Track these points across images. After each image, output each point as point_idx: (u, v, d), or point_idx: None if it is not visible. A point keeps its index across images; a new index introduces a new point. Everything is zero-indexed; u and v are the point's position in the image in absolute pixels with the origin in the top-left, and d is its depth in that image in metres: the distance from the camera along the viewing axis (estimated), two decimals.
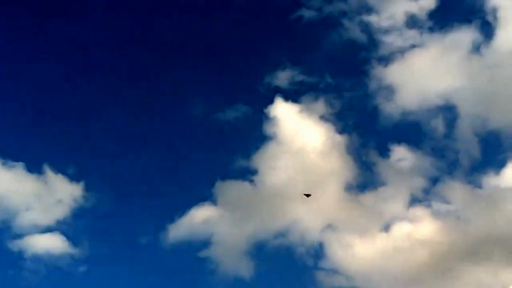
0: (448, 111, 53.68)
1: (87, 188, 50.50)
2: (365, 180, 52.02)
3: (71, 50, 58.47)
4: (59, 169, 50.61)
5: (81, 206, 49.96)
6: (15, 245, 46.92)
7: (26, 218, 47.87)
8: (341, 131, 54.36)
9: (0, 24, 58.29)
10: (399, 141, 53.46)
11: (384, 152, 53.22)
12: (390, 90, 55.01)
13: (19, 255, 46.76)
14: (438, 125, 53.62)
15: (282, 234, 48.97)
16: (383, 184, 51.92)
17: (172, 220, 50.10)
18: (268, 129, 54.14)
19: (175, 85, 58.74)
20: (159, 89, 59.01)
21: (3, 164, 49.41)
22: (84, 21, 58.82)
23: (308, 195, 46.99)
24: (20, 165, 49.72)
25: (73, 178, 50.80)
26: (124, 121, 57.06)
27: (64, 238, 47.68)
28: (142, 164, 54.93)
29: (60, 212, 49.09)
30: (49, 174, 50.22)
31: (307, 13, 58.04)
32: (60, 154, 52.65)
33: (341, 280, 46.70)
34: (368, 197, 51.53)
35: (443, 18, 56.57)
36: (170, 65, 59.41)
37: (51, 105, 55.55)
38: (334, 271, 47.24)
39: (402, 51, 56.10)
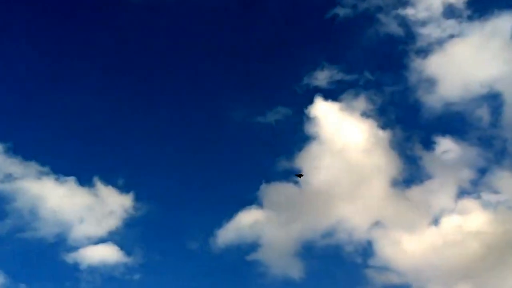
0: (493, 100, 52.79)
1: (137, 198, 51.91)
2: (411, 174, 51.65)
3: (117, 60, 60.11)
4: (108, 181, 52.17)
5: (132, 216, 51.30)
6: (70, 257, 48.45)
7: (80, 231, 49.44)
8: (383, 127, 54.13)
9: (52, 38, 59.58)
10: (443, 133, 52.93)
11: (429, 145, 52.73)
12: (431, 82, 54.56)
13: (75, 267, 48.29)
14: (483, 114, 52.80)
15: (329, 233, 49.16)
16: (429, 177, 51.49)
17: (220, 225, 50.94)
18: (309, 129, 54.37)
19: (214, 90, 59.86)
20: (199, 94, 60.09)
21: (56, 179, 51.24)
22: (133, 27, 60.66)
23: (300, 175, 47.26)
24: (71, 179, 51.42)
25: (123, 189, 52.30)
26: (168, 129, 58.38)
27: (118, 248, 49.08)
28: (188, 171, 55.98)
29: (112, 223, 50.52)
30: (100, 186, 51.77)
31: (342, 11, 58.17)
32: (108, 166, 54.14)
33: (392, 277, 46.52)
34: (415, 192, 51.12)
35: (481, 6, 55.69)
36: (208, 70, 60.64)
37: (96, 119, 56.99)
38: (385, 268, 47.08)
39: (441, 42, 55.61)
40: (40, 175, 51.00)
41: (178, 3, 60.96)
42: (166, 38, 61.32)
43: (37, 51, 58.62)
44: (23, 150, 51.55)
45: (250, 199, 52.06)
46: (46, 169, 51.25)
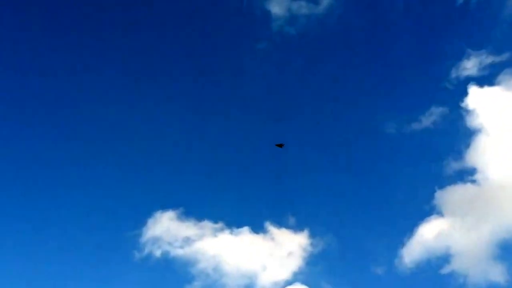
0: None
1: (312, 234, 51.19)
2: None
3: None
4: (280, 223, 52.01)
5: (311, 252, 50.57)
6: None
7: (266, 278, 49.41)
8: None
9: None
10: None
11: None
12: None
13: None
14: None
15: None
16: None
17: (402, 243, 48.81)
18: (471, 122, 51.01)
19: (360, 103, 58.55)
20: (345, 109, 59.10)
21: (231, 232, 51.95)
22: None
23: (280, 145, 44.53)
24: (245, 229, 51.87)
25: (296, 228, 51.82)
26: (321, 155, 57.41)
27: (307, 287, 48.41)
28: (352, 196, 54.53)
29: (294, 263, 50.07)
30: (273, 230, 51.72)
31: None
32: (277, 209, 53.98)
33: None
34: None
35: None
36: (352, 81, 59.69)
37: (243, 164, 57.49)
38: None
39: None
40: (215, 232, 51.94)
41: None
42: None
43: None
44: (194, 212, 52.89)
45: (428, 210, 49.72)
46: (220, 225, 52.11)
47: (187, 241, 51.44)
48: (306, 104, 60.13)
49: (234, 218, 52.55)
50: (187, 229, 52.08)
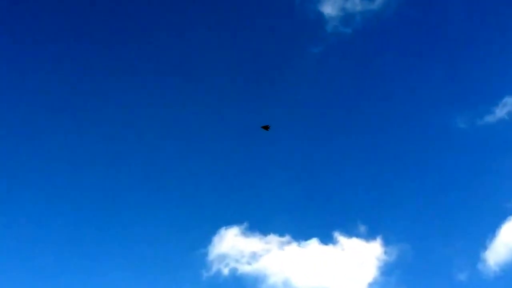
0: None
1: (385, 242, 48.59)
2: None
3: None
4: (350, 232, 49.67)
5: (386, 261, 48.09)
6: None
7: None
8: None
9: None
10: None
11: None
12: None
13: None
14: None
15: None
16: None
17: (484, 246, 46.07)
18: None
19: (423, 100, 55.68)
20: (408, 107, 56.40)
21: (298, 245, 49.94)
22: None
23: (266, 127, 42.00)
24: (314, 241, 49.74)
25: (368, 236, 49.36)
26: (386, 152, 54.83)
27: None
28: (422, 198, 51.53)
29: (369, 274, 47.63)
30: (343, 240, 49.46)
31: None
32: (345, 218, 51.53)
33: None
34: None
35: None
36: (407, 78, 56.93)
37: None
38: None
39: None
40: (283, 245, 50.08)
41: None
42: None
43: None
44: (259, 226, 51.23)
45: (510, 208, 46.35)
46: (286, 238, 50.22)
47: (254, 256, 49.90)
48: (368, 106, 57.67)
49: (301, 230, 50.59)
50: (253, 244, 50.51)
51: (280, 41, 59.85)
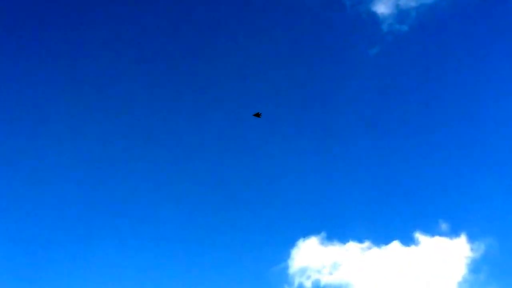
0: None
1: (471, 238, 47.00)
2: None
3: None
4: (431, 231, 48.20)
5: (473, 258, 46.36)
6: None
7: None
8: None
9: None
10: None
11: None
12: None
13: None
14: None
15: None
16: None
17: None
18: None
19: (493, 95, 54.23)
20: (478, 104, 54.94)
21: (380, 250, 48.83)
22: None
23: (257, 115, 42.39)
24: (395, 244, 48.53)
25: (451, 234, 47.83)
26: (461, 149, 53.18)
27: None
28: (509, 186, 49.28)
29: (456, 273, 45.96)
30: (425, 240, 48.05)
31: None
32: (424, 217, 50.04)
33: None
34: None
35: None
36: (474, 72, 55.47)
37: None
38: None
39: None
40: (363, 251, 49.11)
41: None
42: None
43: None
44: (337, 235, 50.48)
45: None
46: (366, 244, 49.27)
47: (335, 266, 49.07)
48: (433, 105, 56.27)
49: (380, 234, 49.56)
50: (333, 253, 49.74)
51: (336, 46, 59.45)
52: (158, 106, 58.87)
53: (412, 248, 48.12)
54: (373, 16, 57.38)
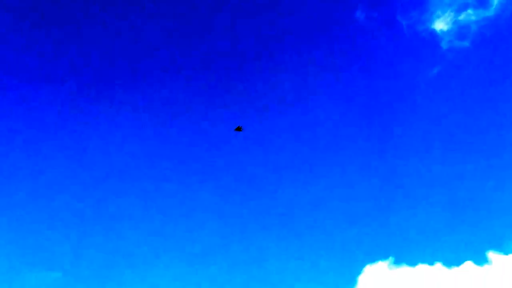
0: None
1: None
2: None
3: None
4: (505, 249, 45.17)
5: None
6: None
7: None
8: None
9: None
10: None
11: None
12: None
13: None
14: None
15: None
16: None
17: None
18: None
19: None
20: None
21: (451, 272, 45.97)
22: None
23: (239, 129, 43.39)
24: (468, 265, 45.69)
25: None
26: None
27: None
28: None
29: None
30: (499, 258, 44.95)
31: None
32: (497, 234, 46.98)
33: None
34: None
35: None
36: None
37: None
38: None
39: None
40: (434, 274, 46.63)
41: None
42: None
43: None
44: (406, 258, 48.36)
45: None
46: (437, 266, 47.10)
47: None
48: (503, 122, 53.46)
49: (451, 255, 47.09)
50: (403, 277, 47.36)
51: (395, 69, 58.05)
52: None
53: (486, 267, 45.06)
54: (432, 34, 56.18)
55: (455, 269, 45.90)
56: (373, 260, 48.84)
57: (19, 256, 48.94)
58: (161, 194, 53.71)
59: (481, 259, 45.54)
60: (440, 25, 55.76)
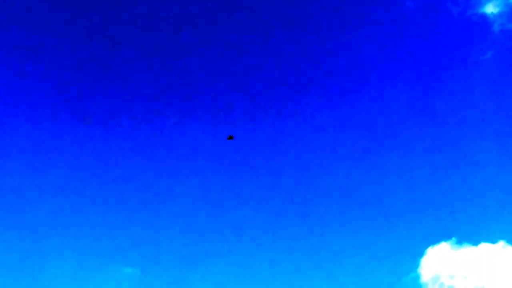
0: None
1: None
2: None
3: None
4: None
5: None
6: None
7: None
8: None
9: None
10: None
11: None
12: None
13: None
14: None
15: None
16: None
17: None
18: None
19: None
20: None
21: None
22: None
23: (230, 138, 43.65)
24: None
25: None
26: None
27: None
28: None
29: None
30: None
31: None
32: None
33: None
34: None
35: None
36: None
37: None
38: None
39: None
40: (498, 253, 46.42)
41: None
42: None
43: None
44: (468, 238, 48.43)
45: None
46: (500, 244, 46.94)
47: (469, 270, 46.53)
48: None
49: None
50: (466, 257, 47.34)
51: (447, 57, 58.12)
52: None
53: None
54: (483, 17, 56.16)
55: None
56: (435, 241, 49.20)
57: (98, 250, 50.95)
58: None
59: None
60: (491, 8, 55.85)
